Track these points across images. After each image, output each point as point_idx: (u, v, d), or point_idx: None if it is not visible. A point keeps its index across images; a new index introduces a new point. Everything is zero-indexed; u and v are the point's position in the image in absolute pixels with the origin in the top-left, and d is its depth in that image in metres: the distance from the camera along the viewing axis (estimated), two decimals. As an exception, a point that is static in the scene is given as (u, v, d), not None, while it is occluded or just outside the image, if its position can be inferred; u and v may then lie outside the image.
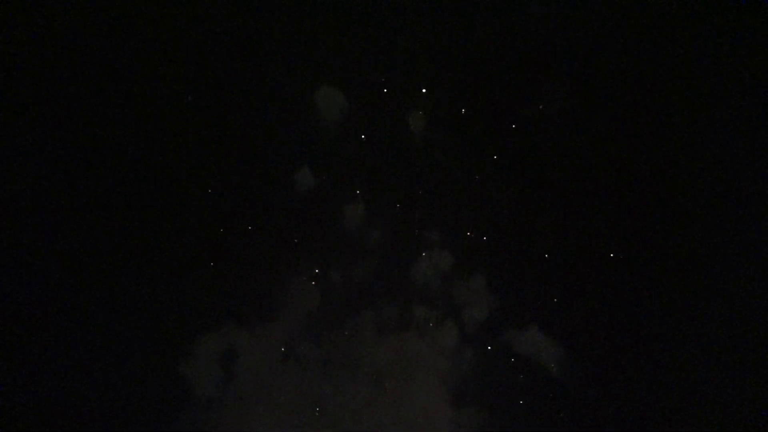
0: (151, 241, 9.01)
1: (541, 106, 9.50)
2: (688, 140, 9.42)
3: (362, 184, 9.51)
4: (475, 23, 9.92)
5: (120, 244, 8.96)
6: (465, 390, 8.87)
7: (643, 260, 9.10)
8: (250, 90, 9.75)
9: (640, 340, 8.85)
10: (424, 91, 9.74)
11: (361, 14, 10.01)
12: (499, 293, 9.16)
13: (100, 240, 8.95)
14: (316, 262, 9.23)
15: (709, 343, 8.69)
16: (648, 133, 9.47)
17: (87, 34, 9.58)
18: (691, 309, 8.86)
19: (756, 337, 8.60)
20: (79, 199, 9.10)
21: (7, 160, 9.00)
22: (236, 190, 9.38)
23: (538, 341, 8.96)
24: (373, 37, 9.93)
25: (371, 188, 9.49)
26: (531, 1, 9.77)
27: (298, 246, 9.24)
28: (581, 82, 9.70)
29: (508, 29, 9.91)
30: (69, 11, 9.66)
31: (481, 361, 9.05)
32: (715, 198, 9.16)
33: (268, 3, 9.98)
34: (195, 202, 9.28)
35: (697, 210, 9.18)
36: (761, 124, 9.17)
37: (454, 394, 8.85)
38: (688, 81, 9.57)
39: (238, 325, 8.88)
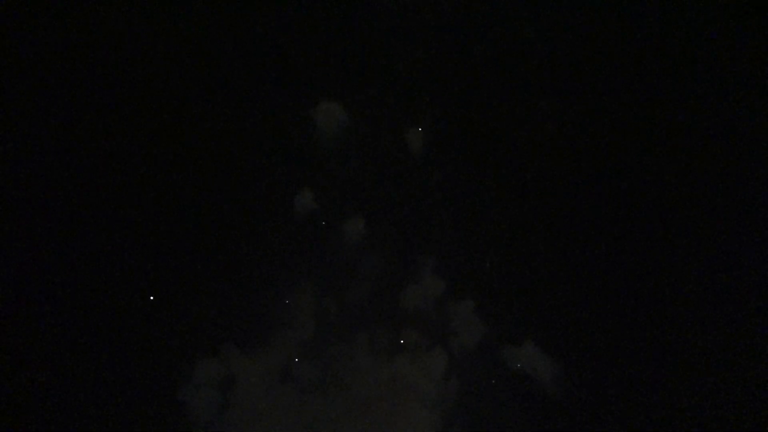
0: (149, 266, 9.06)
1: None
2: (683, 159, 9.46)
3: (360, 207, 9.58)
4: (472, 46, 10.03)
5: (119, 270, 9.01)
6: (457, 411, 8.83)
7: (637, 276, 9.11)
8: (251, 110, 9.85)
9: (635, 354, 8.82)
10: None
11: (360, 36, 10.14)
12: (493, 315, 9.14)
13: (100, 266, 9.01)
14: (314, 287, 9.25)
15: (707, 357, 8.69)
16: (643, 154, 9.52)
17: (86, 58, 9.70)
18: (686, 322, 8.88)
19: (756, 353, 8.55)
20: (81, 222, 9.17)
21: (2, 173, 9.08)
22: (236, 216, 9.46)
23: (531, 361, 8.94)
24: (372, 58, 10.07)
25: (369, 211, 9.55)
26: (526, 25, 9.95)
27: (296, 271, 9.28)
28: (576, 103, 9.76)
29: (505, 51, 10.01)
30: (70, 19, 9.80)
31: (473, 382, 9.01)
32: (712, 215, 9.19)
33: (269, 24, 10.11)
34: (193, 228, 9.36)
35: (692, 227, 9.23)
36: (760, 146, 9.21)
37: (446, 415, 8.81)
38: (683, 99, 9.63)
39: (237, 348, 8.88)
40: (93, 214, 9.19)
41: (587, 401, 8.74)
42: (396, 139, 9.82)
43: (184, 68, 9.85)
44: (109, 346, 8.67)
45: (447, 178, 9.69)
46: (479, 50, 10.01)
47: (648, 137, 9.58)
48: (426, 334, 9.14)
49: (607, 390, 8.76)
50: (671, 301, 8.98)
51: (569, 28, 9.99)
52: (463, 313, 9.16)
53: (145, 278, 8.99)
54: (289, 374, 8.90)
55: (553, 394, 8.81)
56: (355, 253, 9.41)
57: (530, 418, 8.74)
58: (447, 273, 9.33)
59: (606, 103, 9.74)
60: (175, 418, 8.51)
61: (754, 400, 8.44)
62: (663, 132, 9.58)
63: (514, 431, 8.65)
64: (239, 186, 9.52)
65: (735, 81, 9.57)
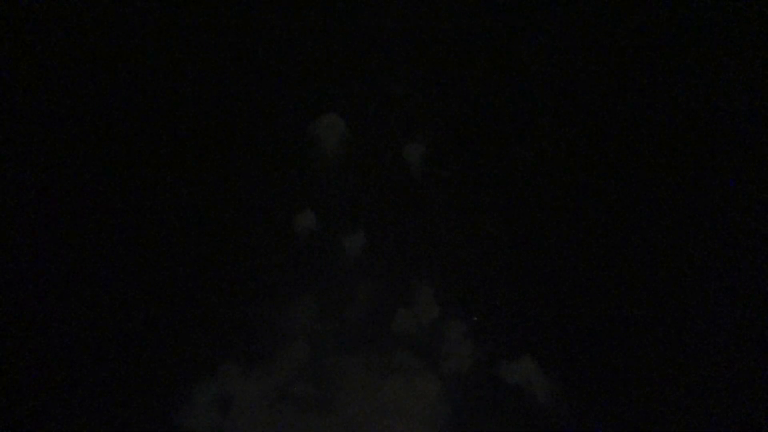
0: (144, 286, 9.02)
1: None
2: (684, 181, 9.50)
3: (360, 226, 9.57)
4: (473, 63, 10.08)
5: (114, 287, 8.96)
6: (455, 429, 8.85)
7: (638, 293, 9.13)
8: (247, 127, 9.83)
9: (636, 366, 8.85)
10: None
11: (355, 60, 10.17)
12: (490, 333, 9.16)
13: (94, 282, 8.96)
14: (313, 306, 9.24)
15: (710, 372, 8.68)
16: (646, 173, 9.55)
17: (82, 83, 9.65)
18: (689, 338, 8.87)
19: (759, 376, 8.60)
20: (75, 236, 9.13)
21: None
22: (235, 235, 9.42)
23: (528, 381, 8.95)
24: (368, 79, 10.09)
25: (368, 229, 9.55)
26: (525, 43, 10.06)
27: (295, 289, 9.27)
28: (577, 121, 9.81)
29: (506, 69, 10.05)
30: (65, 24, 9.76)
31: (470, 400, 9.02)
32: (714, 234, 9.22)
33: (268, 35, 10.10)
34: (191, 247, 9.32)
35: (694, 243, 9.22)
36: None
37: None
38: (681, 125, 9.69)
39: (236, 368, 8.86)
40: (89, 229, 9.16)
41: (587, 417, 8.78)
42: (396, 156, 9.84)
43: (179, 81, 9.81)
44: (104, 365, 8.65)
45: (446, 196, 9.71)
46: (480, 68, 10.07)
47: (651, 157, 9.63)
48: (424, 354, 9.15)
49: (608, 405, 8.79)
50: (673, 316, 9.01)
51: (570, 45, 10.05)
52: (459, 333, 9.18)
53: (142, 296, 8.96)
54: (286, 393, 8.89)
55: (552, 410, 8.85)
56: (354, 273, 9.41)
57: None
58: (445, 292, 9.34)
59: (608, 123, 9.79)
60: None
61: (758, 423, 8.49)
62: (665, 154, 9.64)
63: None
64: (239, 202, 9.50)
65: (741, 112, 9.62)
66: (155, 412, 8.50)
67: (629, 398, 8.71)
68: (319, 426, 8.76)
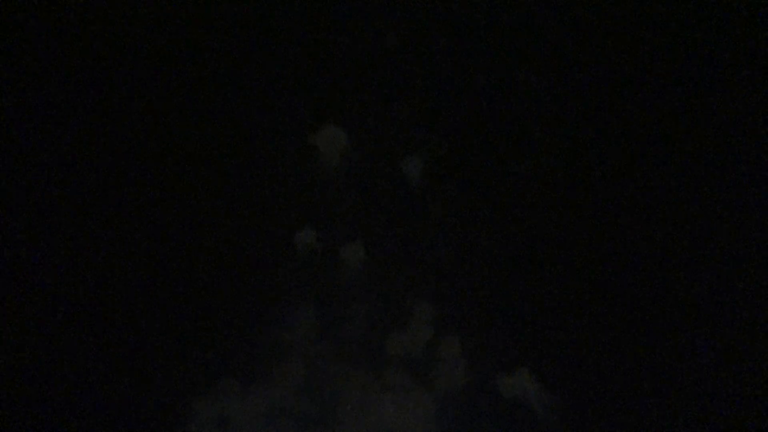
0: (139, 302, 9.01)
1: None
2: (682, 196, 9.47)
3: (359, 242, 9.55)
4: (474, 77, 10.06)
5: (107, 302, 8.95)
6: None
7: (637, 307, 9.13)
8: (246, 145, 9.81)
9: (636, 376, 8.84)
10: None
11: (356, 73, 10.15)
12: (487, 346, 9.16)
13: (88, 296, 8.94)
14: (312, 322, 9.25)
15: (712, 382, 8.65)
16: (641, 191, 9.51)
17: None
18: (690, 348, 8.84)
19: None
20: (76, 251, 9.11)
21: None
22: (233, 251, 9.39)
23: (526, 395, 8.94)
24: (370, 92, 10.08)
25: (368, 245, 9.53)
26: (521, 64, 10.06)
27: (294, 303, 9.27)
28: (573, 139, 9.79)
29: (506, 83, 10.03)
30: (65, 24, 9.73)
31: (468, 415, 9.03)
32: (713, 251, 9.19)
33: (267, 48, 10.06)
34: (188, 263, 9.29)
35: (696, 251, 9.19)
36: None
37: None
38: (681, 141, 9.65)
39: (234, 384, 8.87)
40: (85, 241, 9.14)
41: (586, 429, 8.80)
42: (395, 170, 9.83)
43: (174, 92, 9.78)
44: (98, 382, 8.64)
45: (446, 211, 9.70)
46: (479, 83, 10.07)
47: (651, 174, 9.61)
48: (421, 371, 9.17)
49: (606, 416, 8.82)
50: (671, 328, 9.00)
51: (568, 61, 10.03)
52: (457, 349, 9.19)
53: (137, 312, 8.97)
54: (284, 410, 8.92)
55: (550, 422, 8.86)
56: (353, 290, 9.43)
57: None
58: (443, 308, 9.36)
59: (607, 139, 9.77)
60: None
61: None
62: (666, 171, 9.62)
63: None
64: (236, 217, 9.48)
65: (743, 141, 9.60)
66: (151, 431, 8.56)
67: (628, 409, 8.73)
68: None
